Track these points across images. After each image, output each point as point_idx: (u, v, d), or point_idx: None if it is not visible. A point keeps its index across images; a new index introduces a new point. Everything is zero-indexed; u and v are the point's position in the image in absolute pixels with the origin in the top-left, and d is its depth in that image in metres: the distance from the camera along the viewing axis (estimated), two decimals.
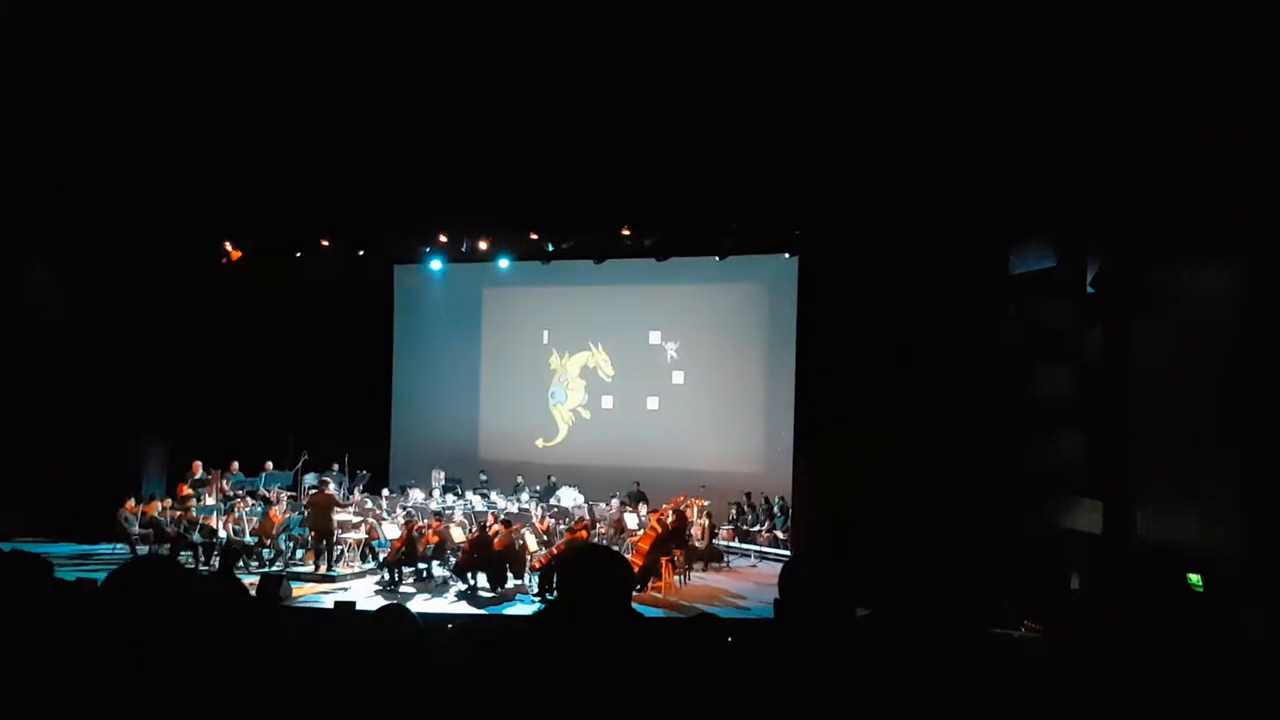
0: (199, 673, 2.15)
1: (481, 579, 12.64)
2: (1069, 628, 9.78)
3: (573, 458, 18.00)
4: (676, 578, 13.19)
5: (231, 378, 16.47)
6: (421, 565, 13.15)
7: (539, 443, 18.66)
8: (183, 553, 13.48)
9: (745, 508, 16.25)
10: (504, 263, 17.27)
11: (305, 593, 12.34)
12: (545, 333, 18.74)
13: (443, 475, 16.97)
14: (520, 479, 16.99)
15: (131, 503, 14.14)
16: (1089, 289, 10.68)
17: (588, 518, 14.27)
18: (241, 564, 13.29)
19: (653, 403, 17.95)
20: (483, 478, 17.10)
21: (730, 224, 14.62)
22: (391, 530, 13.53)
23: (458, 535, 13.35)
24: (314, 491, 13.80)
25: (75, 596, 3.18)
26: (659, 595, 12.60)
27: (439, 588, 12.87)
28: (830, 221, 12.82)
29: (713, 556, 14.67)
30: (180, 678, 2.13)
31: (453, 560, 13.08)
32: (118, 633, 2.13)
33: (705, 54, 11.91)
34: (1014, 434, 11.38)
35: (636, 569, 12.28)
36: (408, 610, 2.89)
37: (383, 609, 2.90)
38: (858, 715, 2.64)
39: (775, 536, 15.37)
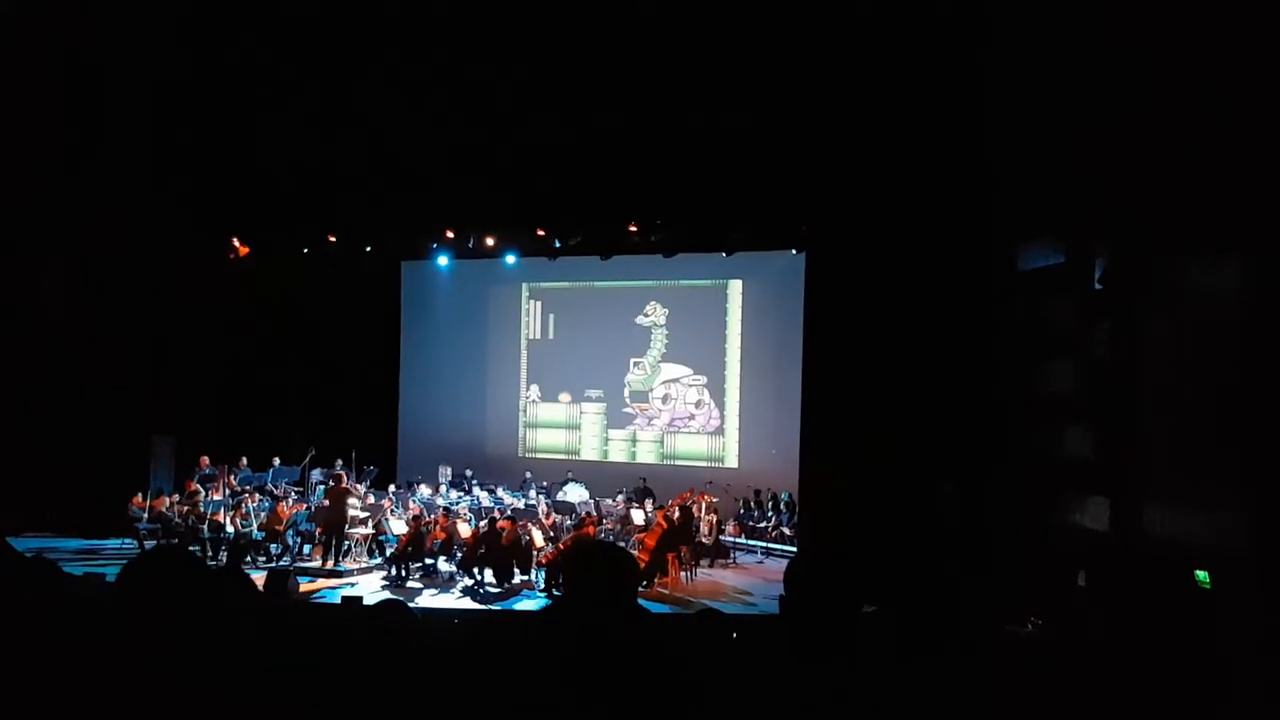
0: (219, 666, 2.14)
1: (488, 574, 12.67)
2: (1076, 624, 9.75)
3: (579, 452, 18.01)
4: (683, 574, 13.20)
5: (239, 373, 16.53)
6: (428, 560, 13.18)
7: (543, 436, 18.67)
8: (190, 548, 13.54)
9: (752, 504, 16.24)
10: (510, 258, 17.28)
11: (312, 588, 12.38)
12: (551, 328, 18.75)
13: (449, 470, 16.99)
14: (529, 474, 17.00)
15: (139, 498, 14.18)
16: (1097, 285, 10.64)
17: (594, 514, 14.28)
18: (249, 559, 13.34)
19: (658, 398, 17.94)
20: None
21: (737, 220, 14.60)
22: (398, 525, 13.56)
23: (464, 530, 13.36)
24: (332, 485, 13.80)
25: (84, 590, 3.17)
26: (665, 591, 12.61)
27: (446, 583, 12.90)
28: (837, 218, 12.80)
29: (719, 553, 14.67)
30: (201, 671, 2.12)
31: (459, 555, 13.11)
32: (134, 626, 2.11)
33: (714, 50, 11.89)
34: (1022, 430, 11.35)
35: (643, 565, 12.29)
36: (405, 605, 2.89)
37: (380, 603, 2.90)
38: (863, 712, 2.63)
39: (782, 533, 15.37)
